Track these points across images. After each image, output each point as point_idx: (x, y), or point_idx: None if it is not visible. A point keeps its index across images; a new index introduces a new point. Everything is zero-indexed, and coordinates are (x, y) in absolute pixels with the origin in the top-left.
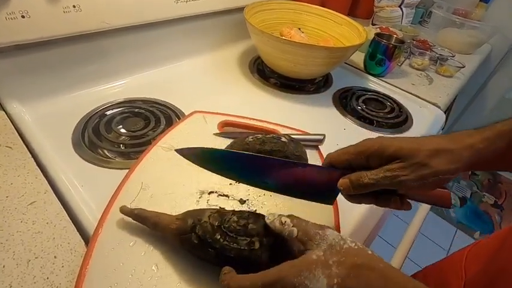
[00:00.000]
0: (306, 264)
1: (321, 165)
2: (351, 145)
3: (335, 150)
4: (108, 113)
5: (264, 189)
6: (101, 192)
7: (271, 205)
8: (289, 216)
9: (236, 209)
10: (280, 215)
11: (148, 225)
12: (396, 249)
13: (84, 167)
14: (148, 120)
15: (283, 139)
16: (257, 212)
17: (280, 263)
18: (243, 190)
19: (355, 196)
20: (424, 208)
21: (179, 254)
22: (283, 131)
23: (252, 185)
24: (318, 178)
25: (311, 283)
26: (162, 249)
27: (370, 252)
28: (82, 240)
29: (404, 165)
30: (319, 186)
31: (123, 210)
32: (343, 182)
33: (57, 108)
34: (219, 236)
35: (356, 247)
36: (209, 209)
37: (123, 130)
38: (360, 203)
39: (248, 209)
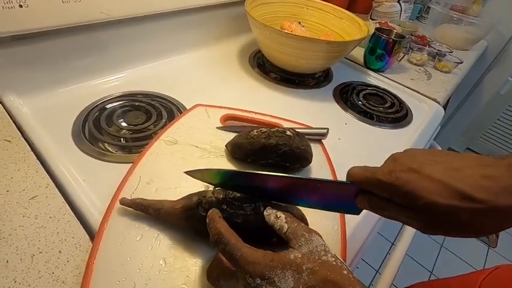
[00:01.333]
0: (282, 261)
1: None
2: (377, 169)
3: (358, 167)
4: (108, 106)
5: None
6: (103, 186)
7: None
8: (285, 213)
9: None
10: (279, 211)
11: (151, 212)
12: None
13: (85, 160)
14: (149, 114)
15: (288, 133)
16: None
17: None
18: None
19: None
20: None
21: (187, 248)
22: (285, 125)
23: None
24: (339, 192)
25: (278, 281)
26: (170, 244)
27: (346, 272)
28: (86, 235)
29: (436, 222)
30: (341, 200)
31: (124, 202)
32: (361, 201)
33: (55, 101)
34: (225, 206)
35: (334, 262)
36: (210, 190)
37: (124, 124)
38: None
39: None
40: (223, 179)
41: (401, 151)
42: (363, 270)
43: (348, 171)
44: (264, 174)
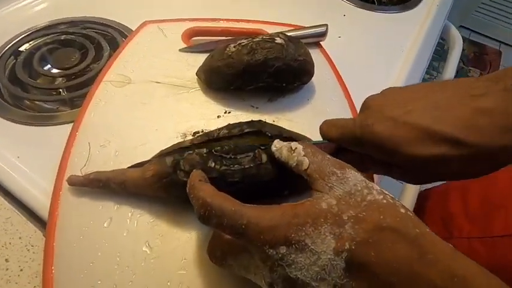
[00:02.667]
0: (311, 214)
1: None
2: (350, 122)
3: (329, 121)
4: (22, 48)
5: None
6: (47, 160)
7: None
8: (302, 142)
9: None
10: (293, 142)
11: (114, 188)
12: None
13: (14, 131)
14: (84, 49)
15: (278, 40)
16: None
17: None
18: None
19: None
20: None
21: (175, 222)
22: (270, 30)
23: None
24: None
25: (313, 243)
26: (151, 221)
27: (403, 211)
28: (38, 231)
29: (420, 174)
30: None
31: (73, 181)
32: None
33: None
34: (213, 164)
35: (385, 201)
36: (187, 140)
37: (55, 70)
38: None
39: None
40: None
41: (377, 93)
42: None
43: (321, 128)
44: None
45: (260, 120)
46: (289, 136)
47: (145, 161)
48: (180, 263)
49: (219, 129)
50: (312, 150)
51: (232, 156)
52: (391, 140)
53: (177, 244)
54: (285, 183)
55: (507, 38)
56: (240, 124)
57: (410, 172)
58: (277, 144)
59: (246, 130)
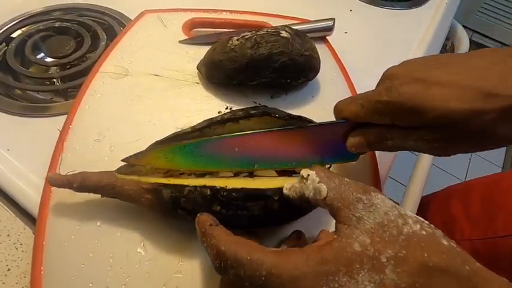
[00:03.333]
0: (343, 259)
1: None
2: (370, 92)
3: (346, 99)
4: (15, 34)
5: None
6: (39, 153)
7: None
8: (314, 167)
9: None
10: (304, 169)
11: (104, 194)
12: (418, 156)
13: (4, 122)
14: (80, 37)
15: (284, 33)
16: None
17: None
18: None
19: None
20: None
21: (173, 222)
22: (274, 23)
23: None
24: (327, 138)
25: None
26: (147, 221)
27: (446, 243)
28: (27, 228)
29: (450, 137)
30: (330, 147)
31: (53, 180)
32: (355, 141)
33: None
34: (218, 207)
35: (424, 232)
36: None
37: (48, 59)
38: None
39: None
40: (183, 158)
41: (396, 64)
42: None
43: (335, 107)
44: (239, 136)
45: (265, 106)
46: (297, 116)
47: (140, 153)
48: (177, 265)
49: (224, 114)
50: (326, 175)
51: (240, 204)
52: (424, 98)
53: (174, 246)
54: (294, 214)
55: (509, 40)
56: (245, 109)
57: (437, 133)
58: (287, 185)
59: (252, 112)
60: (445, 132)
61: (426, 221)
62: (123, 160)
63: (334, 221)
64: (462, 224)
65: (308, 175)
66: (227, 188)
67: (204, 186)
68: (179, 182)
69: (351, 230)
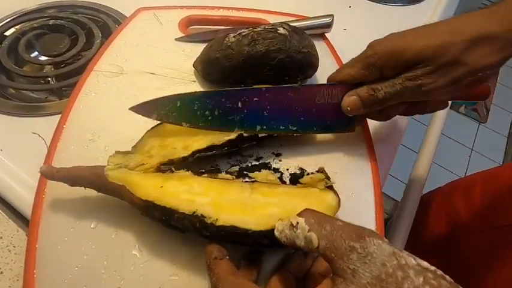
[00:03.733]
0: None
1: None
2: (355, 57)
3: (336, 70)
4: (8, 33)
5: (264, 132)
6: (32, 153)
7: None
8: (304, 213)
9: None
10: (293, 217)
11: (98, 189)
12: (418, 154)
13: None
14: (74, 35)
15: (281, 30)
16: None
17: None
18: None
19: (381, 112)
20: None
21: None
22: (272, 19)
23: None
24: (323, 100)
25: None
26: (142, 221)
27: None
28: (21, 230)
29: (430, 69)
30: (328, 112)
31: (47, 172)
32: (350, 100)
33: None
34: (208, 234)
35: (428, 287)
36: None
37: (42, 57)
38: (388, 118)
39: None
40: (188, 109)
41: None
42: None
43: (329, 78)
44: (244, 90)
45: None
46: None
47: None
48: (172, 268)
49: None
50: (317, 221)
51: (230, 239)
52: (400, 43)
53: (169, 248)
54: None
55: None
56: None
57: (420, 72)
58: (279, 227)
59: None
60: (425, 68)
61: (431, 267)
62: (130, 109)
63: None
64: (465, 216)
65: (297, 223)
66: (216, 224)
67: (194, 216)
68: (169, 203)
69: (346, 285)
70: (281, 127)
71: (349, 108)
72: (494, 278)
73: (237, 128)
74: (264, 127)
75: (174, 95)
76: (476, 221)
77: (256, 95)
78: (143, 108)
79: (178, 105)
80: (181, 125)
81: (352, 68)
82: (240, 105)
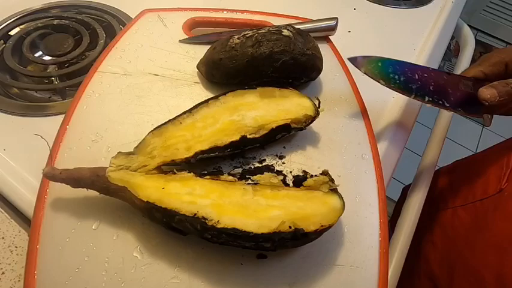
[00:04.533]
0: None
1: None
2: (481, 58)
3: (466, 69)
4: (13, 32)
5: (430, 103)
6: (35, 153)
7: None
8: None
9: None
10: None
11: (99, 190)
12: (422, 157)
13: (1, 121)
14: (79, 35)
15: (286, 32)
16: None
17: None
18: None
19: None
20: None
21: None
22: (275, 22)
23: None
24: (463, 88)
25: None
26: (144, 225)
27: None
28: (23, 230)
29: None
30: (466, 97)
31: (49, 174)
32: (488, 91)
33: None
34: (210, 236)
35: None
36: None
37: (47, 57)
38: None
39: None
40: (384, 71)
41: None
42: None
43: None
44: (418, 66)
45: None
46: None
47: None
48: (174, 271)
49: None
50: None
51: (232, 241)
52: None
53: (171, 250)
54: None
55: None
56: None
57: None
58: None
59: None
60: None
61: None
62: (348, 59)
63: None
64: (446, 194)
65: None
66: (217, 227)
67: (195, 218)
68: (170, 205)
69: None
70: (439, 102)
71: (488, 96)
72: (480, 247)
73: (414, 94)
74: (430, 99)
75: (379, 56)
76: (457, 198)
77: (425, 71)
78: (357, 61)
79: (379, 65)
80: (379, 82)
81: (480, 66)
82: (416, 76)
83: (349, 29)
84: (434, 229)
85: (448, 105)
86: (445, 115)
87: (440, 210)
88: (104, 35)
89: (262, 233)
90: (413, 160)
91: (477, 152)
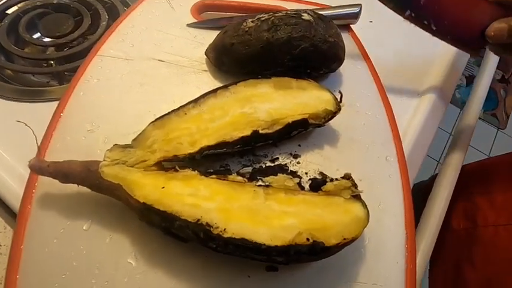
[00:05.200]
0: None
1: None
2: None
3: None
4: (10, 11)
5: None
6: (28, 142)
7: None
8: None
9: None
10: None
11: (90, 187)
12: (443, 164)
13: None
14: (79, 16)
15: (306, 16)
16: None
17: None
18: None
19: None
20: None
21: None
22: (291, 7)
23: None
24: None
25: None
26: (140, 227)
27: None
28: (8, 227)
29: None
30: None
31: (35, 166)
32: (498, 26)
33: None
34: (214, 245)
35: None
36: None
37: (46, 39)
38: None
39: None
40: None
41: None
42: None
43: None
44: None
45: None
46: None
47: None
48: (172, 281)
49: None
50: None
51: (239, 253)
52: None
53: (170, 258)
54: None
55: None
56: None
57: None
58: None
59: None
60: None
61: None
62: None
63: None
64: (485, 209)
65: None
66: (223, 236)
67: (198, 224)
68: (170, 207)
69: None
70: (424, 22)
71: (492, 33)
72: None
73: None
74: (412, 14)
75: None
76: (499, 216)
77: None
78: None
79: None
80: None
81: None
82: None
83: (371, 19)
84: (473, 247)
85: (434, 28)
86: (470, 117)
87: (479, 225)
88: (107, 17)
89: (275, 246)
90: (426, 163)
91: (491, 155)
